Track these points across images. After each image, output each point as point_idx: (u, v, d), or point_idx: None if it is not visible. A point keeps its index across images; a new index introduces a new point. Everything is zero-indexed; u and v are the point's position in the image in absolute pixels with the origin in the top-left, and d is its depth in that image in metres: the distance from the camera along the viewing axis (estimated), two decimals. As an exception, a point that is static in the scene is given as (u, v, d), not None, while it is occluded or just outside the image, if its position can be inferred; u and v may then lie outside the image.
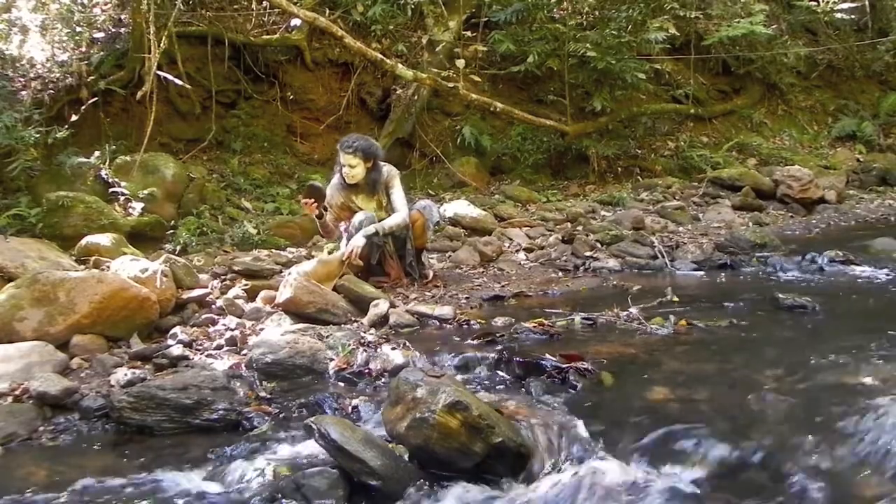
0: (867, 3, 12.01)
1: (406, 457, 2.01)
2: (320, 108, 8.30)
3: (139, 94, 5.89)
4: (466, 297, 4.14)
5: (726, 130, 10.33)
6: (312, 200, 4.16)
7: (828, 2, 10.93)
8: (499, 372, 2.76)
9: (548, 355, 2.71)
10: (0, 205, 5.23)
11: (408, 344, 3.14)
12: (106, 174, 5.66)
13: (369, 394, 2.72)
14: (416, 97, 8.23)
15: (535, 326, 3.23)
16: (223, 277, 4.30)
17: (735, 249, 5.16)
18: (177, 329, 3.35)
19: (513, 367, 2.72)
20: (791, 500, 1.73)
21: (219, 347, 3.23)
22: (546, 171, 8.66)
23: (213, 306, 3.76)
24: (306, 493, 1.87)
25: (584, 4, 9.07)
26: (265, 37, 7.81)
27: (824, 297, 3.53)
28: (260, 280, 4.17)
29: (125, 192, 5.53)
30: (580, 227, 6.09)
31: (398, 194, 4.35)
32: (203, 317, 3.58)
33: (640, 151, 9.12)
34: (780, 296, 3.44)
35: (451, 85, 7.47)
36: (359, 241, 4.11)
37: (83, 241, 4.43)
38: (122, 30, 7.16)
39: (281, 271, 4.34)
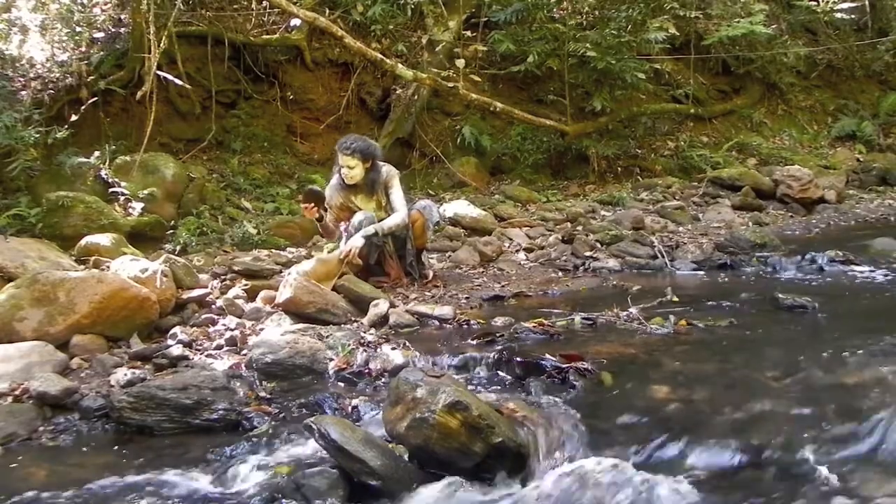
0: (867, 2, 12.01)
1: (406, 457, 2.01)
2: (320, 108, 8.30)
3: (139, 94, 5.89)
4: (466, 297, 4.14)
5: (726, 130, 10.33)
6: (312, 205, 4.19)
7: (828, 2, 10.93)
8: (499, 372, 2.76)
9: (548, 355, 2.71)
10: (0, 205, 5.23)
11: (408, 344, 3.14)
12: (106, 174, 5.66)
13: (369, 394, 2.72)
14: (415, 97, 8.23)
15: (535, 326, 3.23)
16: (223, 277, 4.30)
17: (735, 249, 5.16)
18: (177, 329, 3.35)
19: (513, 367, 2.72)
20: (791, 500, 1.73)
21: (219, 347, 3.23)
22: (546, 171, 8.66)
23: (213, 306, 3.76)
24: (306, 493, 1.87)
25: (584, 4, 9.07)
26: (265, 37, 7.81)
27: (824, 297, 3.53)
28: (260, 280, 4.17)
29: (125, 192, 5.53)
30: (580, 227, 6.09)
31: (397, 194, 4.35)
32: (203, 317, 3.58)
33: (640, 151, 9.12)
34: (780, 296, 3.44)
35: (450, 85, 7.47)
36: (357, 241, 4.11)
37: (83, 241, 4.43)
38: (122, 30, 7.16)
39: (281, 271, 4.34)
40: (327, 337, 3.29)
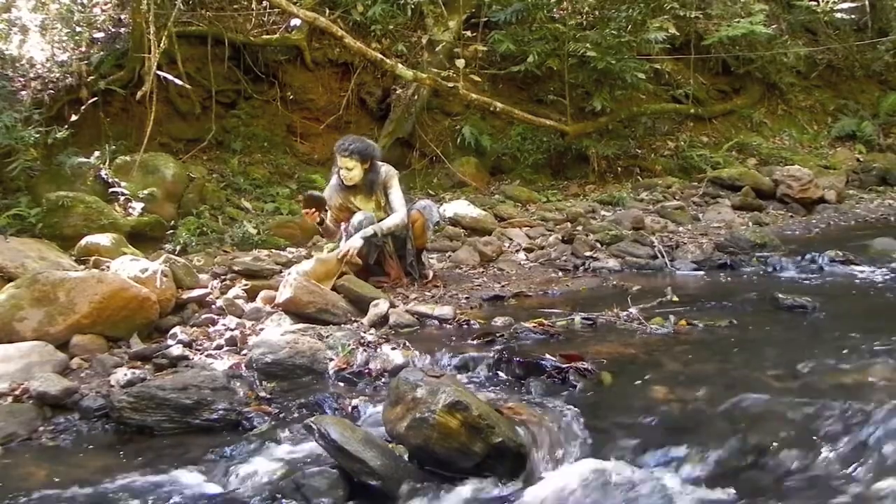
0: (867, 2, 12.01)
1: (406, 457, 2.01)
2: (320, 108, 8.30)
3: (139, 94, 5.88)
4: (466, 297, 4.14)
5: (726, 130, 10.33)
6: (313, 210, 4.23)
7: (828, 1, 10.93)
8: (499, 372, 2.75)
9: (548, 355, 2.72)
10: (0, 205, 5.22)
11: (408, 344, 3.14)
12: (106, 174, 5.65)
13: (369, 394, 2.72)
14: (415, 97, 8.23)
15: (535, 326, 3.23)
16: (223, 277, 4.30)
17: (735, 249, 5.16)
18: (177, 329, 3.35)
19: (513, 367, 2.72)
20: (791, 500, 1.73)
21: (219, 347, 3.24)
22: (546, 171, 8.66)
23: (213, 306, 3.76)
24: (306, 493, 1.87)
25: (584, 4, 9.07)
26: (265, 37, 7.81)
27: (824, 297, 3.53)
28: (260, 280, 4.17)
29: (125, 192, 5.53)
30: (580, 227, 6.09)
31: (396, 194, 4.35)
32: (203, 317, 3.58)
33: (640, 151, 9.11)
34: (780, 296, 3.44)
35: (450, 85, 7.47)
36: (356, 242, 4.11)
37: (83, 241, 4.43)
38: (122, 30, 7.16)
39: (281, 271, 4.34)
40: (327, 337, 3.29)
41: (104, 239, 4.45)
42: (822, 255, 4.54)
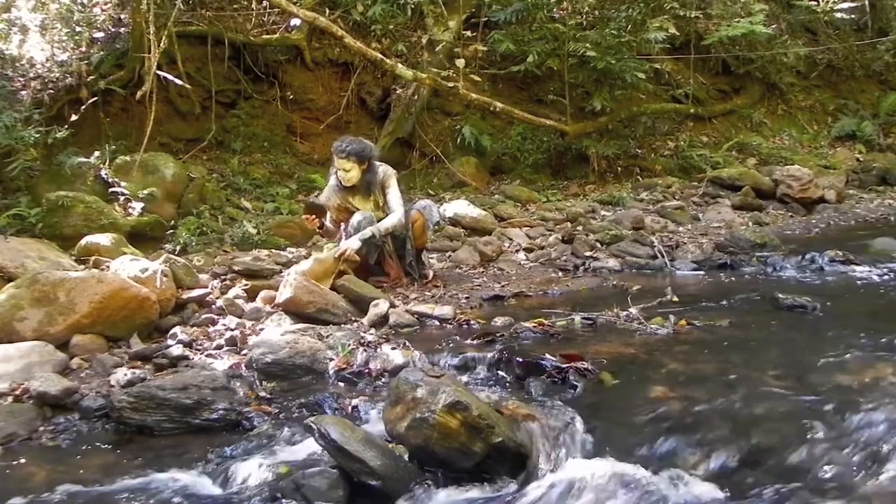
0: (867, 2, 12.00)
1: (406, 457, 2.01)
2: (320, 108, 8.30)
3: (139, 93, 5.88)
4: (466, 297, 4.14)
5: (726, 130, 10.33)
6: (314, 216, 4.28)
7: (828, 1, 10.92)
8: (499, 372, 2.76)
9: (548, 355, 2.72)
10: (0, 205, 5.22)
11: (408, 344, 3.14)
12: (106, 174, 5.65)
13: (369, 394, 2.72)
14: (415, 97, 8.23)
15: (535, 326, 3.23)
16: (223, 277, 4.30)
17: (735, 249, 5.16)
18: (177, 329, 3.35)
19: (513, 367, 2.73)
20: (791, 500, 1.73)
21: (219, 347, 3.24)
22: (546, 170, 8.66)
23: (213, 306, 3.76)
24: (306, 493, 1.87)
25: (584, 4, 9.07)
26: (265, 37, 7.81)
27: (824, 297, 3.53)
28: (260, 280, 4.17)
29: (125, 192, 5.52)
30: (580, 227, 6.09)
31: (394, 194, 4.36)
32: (203, 317, 3.58)
33: (640, 151, 9.11)
34: (780, 296, 3.45)
35: (450, 85, 7.47)
36: (353, 244, 4.11)
37: (83, 241, 4.43)
38: (122, 30, 7.16)
39: (281, 271, 4.34)
40: (327, 337, 3.29)
41: (104, 239, 4.45)
42: (822, 255, 4.55)
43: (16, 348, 2.88)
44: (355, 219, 4.26)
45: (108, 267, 3.71)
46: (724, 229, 6.33)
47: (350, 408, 2.55)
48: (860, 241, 5.20)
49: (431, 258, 5.07)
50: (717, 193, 7.76)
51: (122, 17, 7.23)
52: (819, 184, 7.63)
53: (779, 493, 1.75)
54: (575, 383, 2.52)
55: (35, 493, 1.99)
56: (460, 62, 7.59)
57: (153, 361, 3.03)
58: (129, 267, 3.52)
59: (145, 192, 5.59)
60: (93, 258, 4.08)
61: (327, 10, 8.00)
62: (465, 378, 2.71)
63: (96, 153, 5.86)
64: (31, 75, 6.40)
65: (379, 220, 4.28)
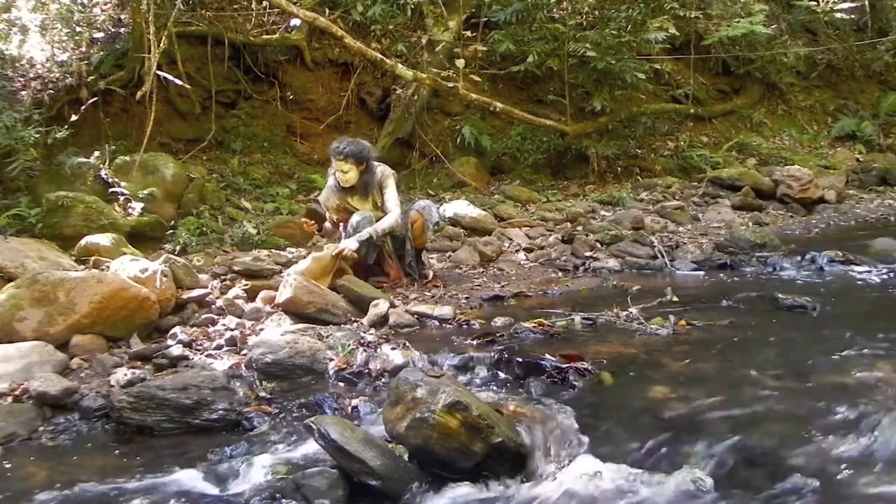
0: (867, 3, 12.01)
1: (406, 457, 2.01)
2: (320, 108, 8.30)
3: (139, 94, 5.88)
4: (466, 297, 4.14)
5: (726, 130, 10.33)
6: (313, 221, 4.38)
7: (828, 2, 10.93)
8: (499, 372, 2.76)
9: (548, 355, 2.72)
10: (0, 205, 5.22)
11: (408, 344, 3.14)
12: (106, 174, 5.65)
13: (369, 394, 2.72)
14: (415, 97, 8.23)
15: (535, 326, 3.23)
16: (223, 277, 4.30)
17: (735, 249, 5.16)
18: (177, 329, 3.35)
19: (513, 367, 2.73)
20: (791, 500, 1.73)
21: (219, 347, 3.24)
22: (546, 171, 8.66)
23: (213, 306, 3.76)
24: (306, 493, 1.87)
25: (584, 4, 9.07)
26: (265, 37, 7.81)
27: (824, 297, 3.54)
28: (260, 280, 4.17)
29: (125, 192, 5.52)
30: (580, 227, 6.09)
31: (391, 194, 4.37)
32: (203, 317, 3.58)
33: (639, 151, 9.11)
34: (780, 296, 3.45)
35: (450, 85, 7.47)
36: (351, 244, 4.11)
37: (83, 241, 4.43)
38: (122, 30, 7.16)
39: (281, 271, 4.34)
40: (327, 337, 3.29)
41: (104, 239, 4.45)
42: (822, 255, 4.55)
43: (16, 348, 2.87)
44: (354, 219, 4.26)
45: (107, 267, 3.71)
46: (724, 229, 6.33)
47: (350, 408, 2.55)
48: (860, 242, 5.20)
49: (431, 258, 5.07)
50: (717, 193, 7.76)
51: (122, 17, 7.23)
52: (819, 184, 7.63)
53: (779, 493, 1.76)
54: (575, 383, 2.52)
55: (35, 493, 1.99)
56: (460, 62, 7.59)
57: (153, 361, 3.02)
58: (129, 267, 3.52)
59: (145, 192, 5.59)
60: (93, 258, 4.08)
61: (327, 11, 8.00)
62: (464, 378, 2.71)
63: (96, 153, 5.86)
64: (31, 75, 6.40)
65: (378, 220, 4.28)
